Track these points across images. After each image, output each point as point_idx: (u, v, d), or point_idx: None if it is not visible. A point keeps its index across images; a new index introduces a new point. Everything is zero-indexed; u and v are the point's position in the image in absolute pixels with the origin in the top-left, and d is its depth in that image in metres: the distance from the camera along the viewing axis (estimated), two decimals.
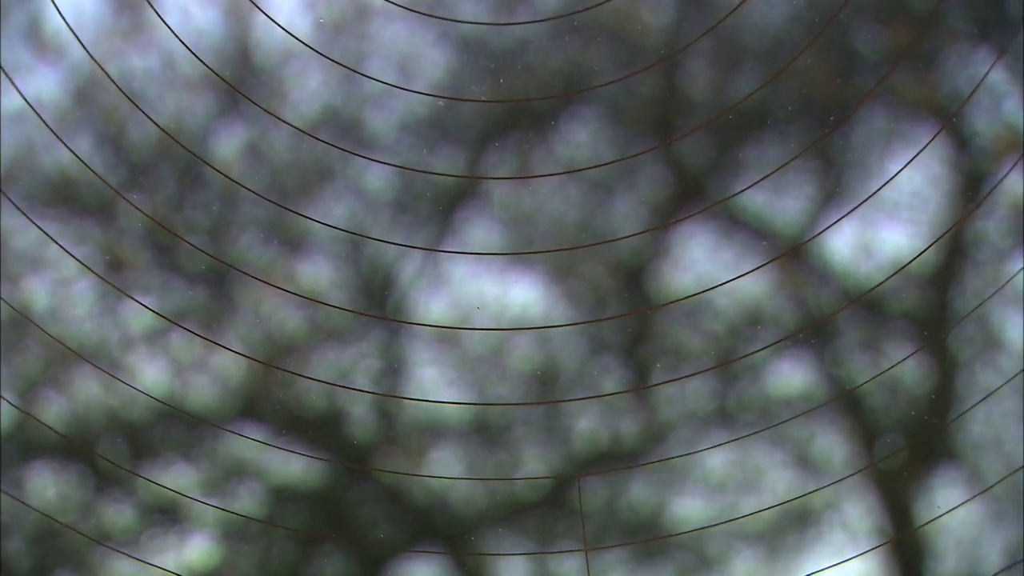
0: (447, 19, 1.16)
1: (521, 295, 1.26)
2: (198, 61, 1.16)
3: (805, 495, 1.26)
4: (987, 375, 1.25)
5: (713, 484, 1.27)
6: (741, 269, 1.23)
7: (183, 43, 1.13)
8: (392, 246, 1.25)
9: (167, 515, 1.27)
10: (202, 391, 1.26)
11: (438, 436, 1.28)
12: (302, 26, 1.17)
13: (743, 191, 1.22)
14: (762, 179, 1.20)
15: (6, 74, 1.12)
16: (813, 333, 1.25)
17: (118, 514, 1.28)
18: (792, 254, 1.25)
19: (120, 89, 1.17)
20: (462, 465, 1.28)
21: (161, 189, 1.22)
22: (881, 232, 1.24)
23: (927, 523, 1.25)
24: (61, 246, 1.19)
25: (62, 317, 1.24)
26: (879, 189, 1.18)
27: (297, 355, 1.25)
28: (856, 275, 1.25)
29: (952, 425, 1.24)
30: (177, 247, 1.23)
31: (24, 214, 1.18)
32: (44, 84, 1.19)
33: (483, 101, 1.20)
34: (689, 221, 1.25)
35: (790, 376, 1.28)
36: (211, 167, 1.21)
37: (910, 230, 1.23)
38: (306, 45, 1.14)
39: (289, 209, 1.20)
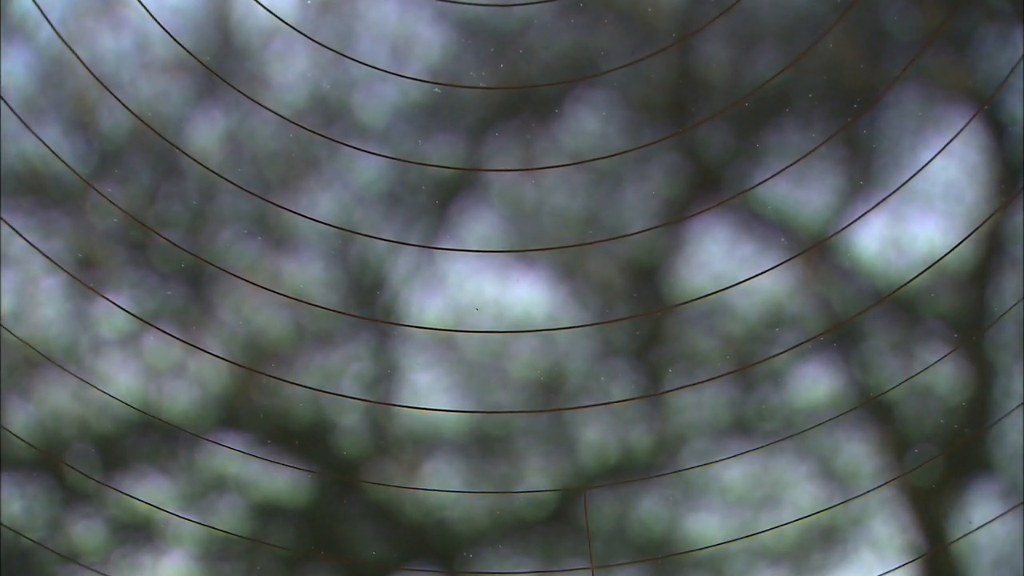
0: None
1: (523, 295, 1.25)
2: (174, 42, 1.15)
3: (831, 508, 1.25)
4: None
5: (731, 499, 1.26)
6: (761, 266, 1.21)
7: (158, 23, 1.12)
8: (384, 242, 1.24)
9: (141, 531, 1.26)
10: (179, 398, 1.26)
11: (433, 447, 1.27)
12: (286, 5, 1.16)
13: (763, 182, 1.20)
14: (784, 169, 1.18)
15: None
16: (839, 336, 1.24)
17: (88, 530, 1.27)
18: (816, 250, 1.24)
19: (91, 72, 1.16)
20: (459, 478, 1.27)
21: (135, 180, 1.21)
22: (912, 226, 1.22)
23: (959, 539, 1.25)
24: (28, 241, 1.18)
25: (28, 318, 1.23)
26: (910, 179, 1.17)
27: (281, 360, 1.24)
28: (885, 273, 1.24)
29: (988, 434, 1.24)
30: (152, 243, 1.22)
31: None
32: (9, 67, 1.18)
33: (482, 87, 1.18)
34: (705, 215, 1.24)
35: (814, 382, 1.27)
36: (188, 156, 1.20)
37: (944, 224, 1.22)
38: (290, 26, 1.13)
39: (272, 202, 1.20)
